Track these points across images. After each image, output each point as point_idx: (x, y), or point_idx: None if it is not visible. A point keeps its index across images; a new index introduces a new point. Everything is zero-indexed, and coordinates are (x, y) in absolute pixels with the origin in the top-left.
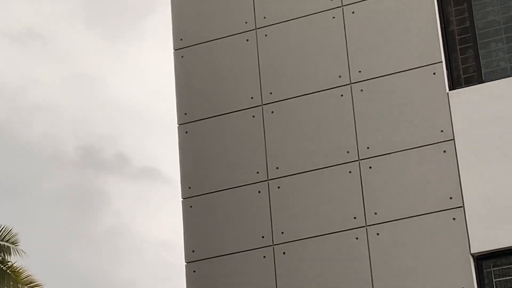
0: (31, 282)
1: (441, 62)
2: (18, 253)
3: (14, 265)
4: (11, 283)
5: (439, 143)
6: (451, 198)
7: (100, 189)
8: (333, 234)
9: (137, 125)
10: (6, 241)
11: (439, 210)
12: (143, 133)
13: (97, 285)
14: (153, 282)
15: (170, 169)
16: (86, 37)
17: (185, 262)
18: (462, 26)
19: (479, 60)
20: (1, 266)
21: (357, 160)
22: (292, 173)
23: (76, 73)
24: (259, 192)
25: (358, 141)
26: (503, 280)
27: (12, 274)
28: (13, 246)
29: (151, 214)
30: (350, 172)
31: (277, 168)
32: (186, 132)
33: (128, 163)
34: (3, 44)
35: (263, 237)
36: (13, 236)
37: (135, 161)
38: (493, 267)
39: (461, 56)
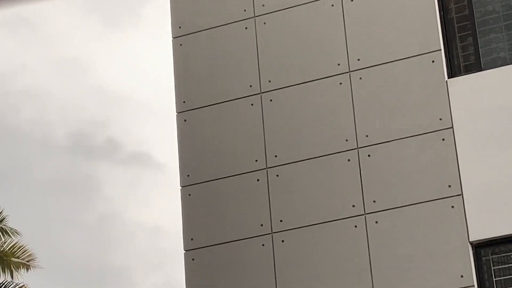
0: (24, 252)
1: (440, 50)
2: (9, 233)
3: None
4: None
5: (438, 131)
6: (449, 186)
7: (91, 174)
8: (331, 222)
9: (127, 111)
10: None
11: (438, 198)
12: (133, 118)
13: (89, 272)
14: (146, 268)
15: (161, 154)
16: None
17: (184, 250)
18: (461, 14)
19: (478, 48)
20: None
21: (355, 148)
22: (291, 161)
23: (66, 58)
24: (258, 180)
25: (356, 129)
26: (502, 268)
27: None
28: (3, 226)
29: (143, 200)
30: (349, 160)
31: (275, 156)
32: (185, 120)
33: (119, 149)
34: None
35: (262, 225)
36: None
37: (125, 146)
38: (491, 255)
39: (460, 44)
